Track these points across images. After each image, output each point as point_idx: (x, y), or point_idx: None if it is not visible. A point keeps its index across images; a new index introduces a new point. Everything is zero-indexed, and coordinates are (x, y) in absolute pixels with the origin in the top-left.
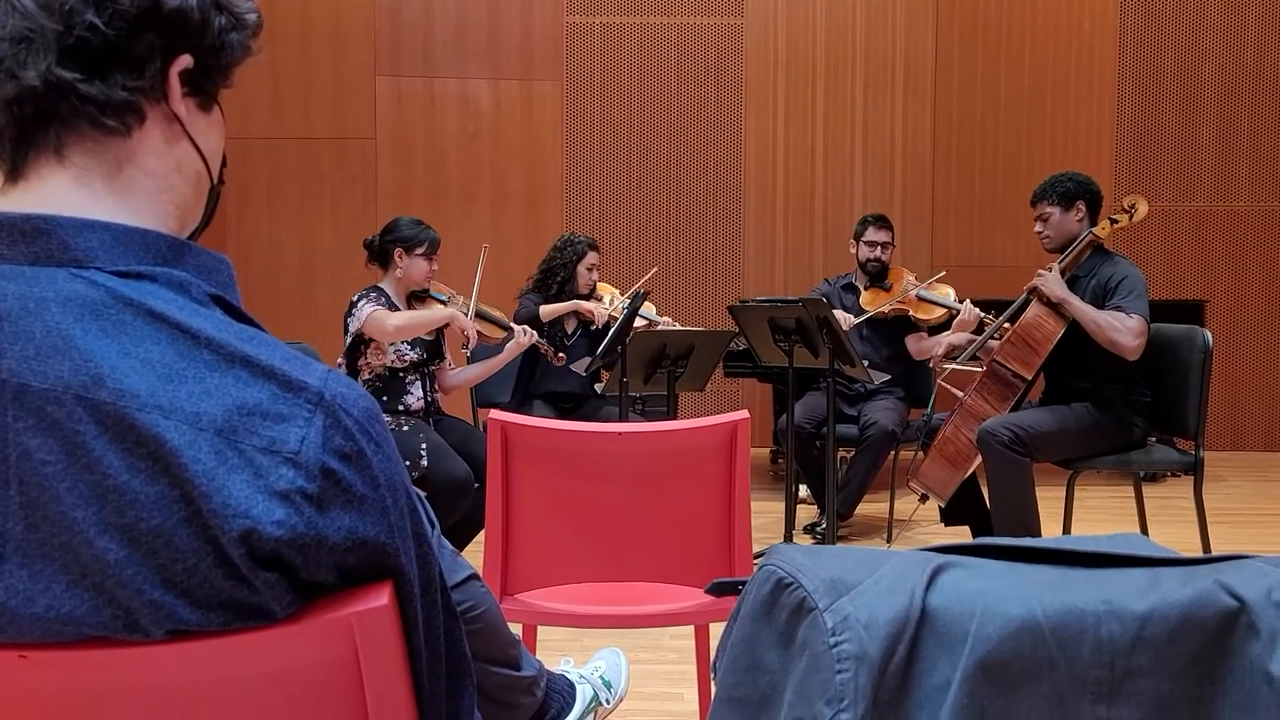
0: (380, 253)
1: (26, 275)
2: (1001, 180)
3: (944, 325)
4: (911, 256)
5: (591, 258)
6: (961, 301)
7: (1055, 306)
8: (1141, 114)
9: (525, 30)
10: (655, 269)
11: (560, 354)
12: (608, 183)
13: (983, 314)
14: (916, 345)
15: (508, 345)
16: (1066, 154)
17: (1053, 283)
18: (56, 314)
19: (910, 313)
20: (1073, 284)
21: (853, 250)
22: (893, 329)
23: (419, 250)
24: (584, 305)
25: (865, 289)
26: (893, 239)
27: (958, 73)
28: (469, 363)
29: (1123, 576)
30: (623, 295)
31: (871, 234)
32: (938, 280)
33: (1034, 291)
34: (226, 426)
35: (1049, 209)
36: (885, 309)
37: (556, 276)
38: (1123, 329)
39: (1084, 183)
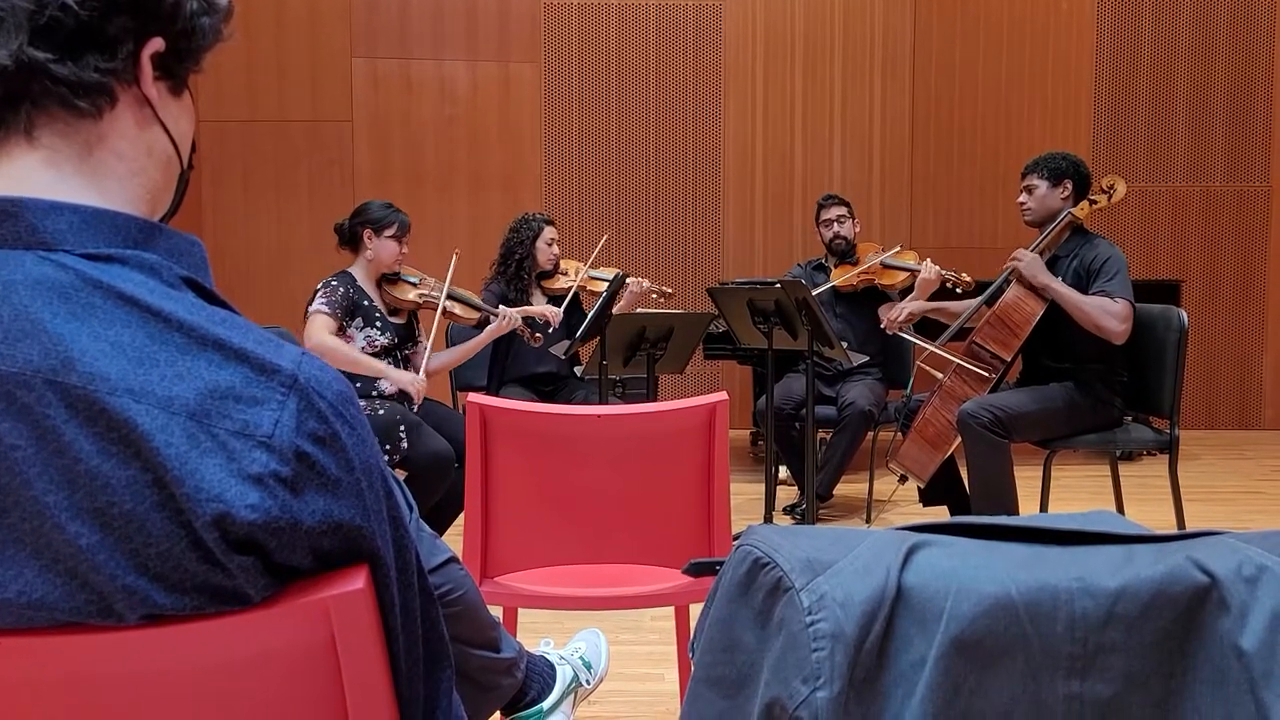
0: (350, 236)
1: None
2: (979, 161)
3: (911, 289)
4: (890, 237)
5: (549, 233)
6: (922, 263)
7: (1036, 288)
8: (1117, 94)
9: (502, 11)
10: (606, 236)
11: (537, 334)
12: (586, 165)
13: (943, 271)
14: (888, 314)
15: (487, 328)
16: (1043, 134)
17: (1034, 266)
18: (25, 297)
19: (876, 280)
20: (1053, 264)
21: (818, 235)
22: (864, 304)
23: (388, 232)
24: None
25: (834, 268)
26: (851, 213)
27: (936, 53)
28: (447, 346)
29: (1096, 554)
30: (586, 266)
31: (827, 213)
32: (900, 250)
33: (1013, 273)
34: (199, 410)
35: (1037, 182)
36: (853, 279)
37: (514, 255)
38: (1110, 314)
39: (1076, 164)
